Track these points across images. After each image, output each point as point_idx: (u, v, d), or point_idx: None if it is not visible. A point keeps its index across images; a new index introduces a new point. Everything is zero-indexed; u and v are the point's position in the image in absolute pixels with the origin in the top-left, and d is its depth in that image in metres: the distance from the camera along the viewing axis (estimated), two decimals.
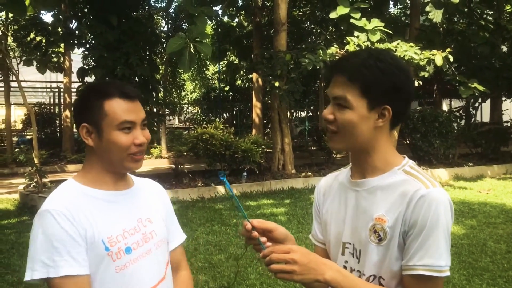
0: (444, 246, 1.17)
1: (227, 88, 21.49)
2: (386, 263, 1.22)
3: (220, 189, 8.90)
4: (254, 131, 13.60)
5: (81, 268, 1.27)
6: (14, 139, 16.61)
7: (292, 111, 20.74)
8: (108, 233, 1.35)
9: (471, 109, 13.26)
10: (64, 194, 1.37)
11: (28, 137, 17.74)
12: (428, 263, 1.15)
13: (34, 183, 8.47)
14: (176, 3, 14.43)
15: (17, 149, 9.36)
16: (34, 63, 13.57)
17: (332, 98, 1.25)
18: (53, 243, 1.26)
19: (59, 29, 11.51)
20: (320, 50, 8.98)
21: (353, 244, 1.29)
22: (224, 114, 22.45)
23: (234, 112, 22.67)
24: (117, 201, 1.43)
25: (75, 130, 17.44)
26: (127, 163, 1.40)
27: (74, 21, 9.51)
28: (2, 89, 15.23)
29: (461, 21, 12.73)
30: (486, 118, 16.11)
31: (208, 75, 24.43)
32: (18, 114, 25.80)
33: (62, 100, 16.92)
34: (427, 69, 9.07)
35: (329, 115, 1.25)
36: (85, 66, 9.27)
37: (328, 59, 8.70)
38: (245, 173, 9.65)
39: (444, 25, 11.32)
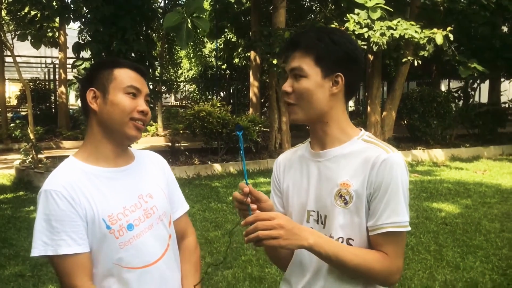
0: (405, 204, 1.28)
1: (224, 66, 21.25)
2: (355, 225, 1.30)
3: (217, 167, 8.90)
4: (251, 110, 13.51)
5: (78, 246, 1.33)
6: (9, 115, 16.47)
7: None
8: (109, 211, 1.38)
9: (469, 90, 13.22)
10: (64, 173, 1.40)
11: (23, 113, 17.60)
12: (395, 220, 1.25)
13: (30, 159, 8.43)
14: None
15: (12, 124, 9.27)
16: (29, 38, 13.35)
17: (289, 71, 1.34)
18: (52, 223, 1.32)
19: (54, 3, 11.30)
20: None
21: (317, 211, 1.35)
22: (221, 93, 22.29)
23: (231, 91, 22.51)
24: (117, 178, 1.45)
25: (70, 107, 17.36)
26: (128, 129, 1.41)
27: None
28: None
29: (462, 0, 12.59)
30: (485, 99, 16.07)
31: (205, 53, 24.17)
32: (12, 90, 25.54)
33: (57, 76, 16.72)
34: (427, 48, 8.99)
35: (288, 87, 1.33)
36: (80, 41, 9.14)
37: None
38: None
39: (445, 4, 11.17)
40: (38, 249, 1.31)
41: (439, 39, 8.80)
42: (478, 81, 13.02)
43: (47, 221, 1.32)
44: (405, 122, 12.03)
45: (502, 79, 14.64)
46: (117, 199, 1.41)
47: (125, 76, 1.43)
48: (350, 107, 25.04)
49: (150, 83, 9.58)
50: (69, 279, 1.32)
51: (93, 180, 1.40)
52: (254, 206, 1.27)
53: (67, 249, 1.31)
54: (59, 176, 1.38)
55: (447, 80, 21.04)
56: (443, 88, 19.62)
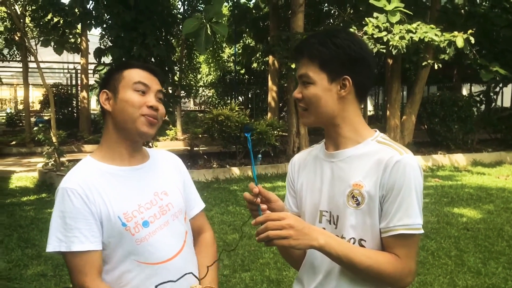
0: (418, 206, 1.26)
1: (242, 71, 21.33)
2: (367, 226, 1.29)
3: (235, 171, 8.93)
4: (269, 115, 13.53)
5: (91, 244, 1.36)
6: (32, 119, 16.83)
7: None
8: (124, 209, 1.41)
9: (491, 94, 12.97)
10: (81, 172, 1.44)
11: (46, 117, 17.96)
12: (407, 222, 1.24)
13: (53, 162, 8.60)
14: None
15: (35, 128, 9.48)
16: (52, 43, 13.64)
17: (298, 78, 1.36)
18: (66, 220, 1.36)
19: (76, 10, 11.54)
20: None
21: (330, 212, 1.35)
22: (240, 97, 22.34)
23: (250, 96, 22.56)
24: (132, 176, 1.48)
25: (92, 112, 17.65)
26: (140, 124, 1.43)
27: (91, 1, 9.52)
28: (21, 69, 15.40)
29: (483, 3, 12.39)
30: (507, 103, 15.75)
31: (223, 58, 24.31)
32: (36, 95, 26.10)
33: (79, 81, 17.04)
34: (447, 51, 8.87)
35: (298, 94, 1.36)
36: (102, 47, 9.29)
37: None
38: (260, 156, 9.65)
39: (466, 7, 11.01)
40: (53, 245, 1.36)
41: (459, 42, 8.68)
42: (501, 85, 12.76)
43: (62, 218, 1.36)
44: (425, 126, 11.86)
45: None
46: (132, 196, 1.44)
47: (133, 74, 1.47)
48: (369, 111, 24.84)
49: (169, 87, 9.68)
50: (79, 276, 1.35)
51: (109, 178, 1.44)
52: (264, 206, 1.29)
53: (80, 246, 1.34)
54: (75, 175, 1.42)
55: (469, 84, 20.68)
56: (465, 92, 19.30)
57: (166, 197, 1.51)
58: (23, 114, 16.35)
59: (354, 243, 1.30)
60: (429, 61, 9.61)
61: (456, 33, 8.89)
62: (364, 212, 1.29)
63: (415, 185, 1.26)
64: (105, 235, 1.39)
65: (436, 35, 8.57)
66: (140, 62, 1.56)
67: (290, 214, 1.24)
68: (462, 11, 10.97)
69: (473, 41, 8.90)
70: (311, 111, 1.34)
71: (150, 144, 8.32)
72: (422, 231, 1.27)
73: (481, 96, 13.01)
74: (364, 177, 1.29)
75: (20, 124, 18.05)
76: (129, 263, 1.41)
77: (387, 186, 1.26)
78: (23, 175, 9.27)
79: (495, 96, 13.15)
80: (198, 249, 1.62)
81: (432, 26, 8.84)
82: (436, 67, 9.66)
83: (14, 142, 13.66)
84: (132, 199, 1.44)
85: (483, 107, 13.13)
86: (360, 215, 1.29)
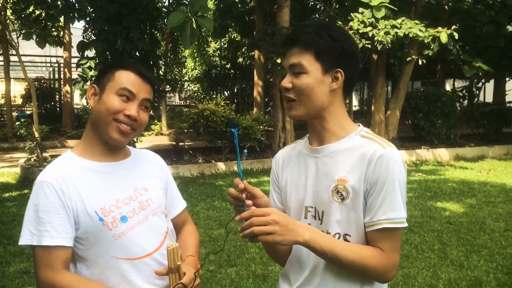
0: (402, 200, 1.27)
1: (228, 66, 21.25)
2: (351, 221, 1.29)
3: (221, 166, 8.91)
4: (255, 109, 13.53)
5: (61, 239, 1.34)
6: (14, 114, 16.54)
7: None
8: (101, 204, 1.40)
9: (474, 89, 13.16)
10: (58, 166, 1.42)
11: (28, 112, 17.67)
12: (391, 216, 1.25)
13: (35, 157, 8.47)
14: None
15: (17, 123, 9.31)
16: (34, 37, 13.38)
17: (289, 67, 1.33)
18: (39, 214, 1.34)
19: (59, 2, 11.33)
20: None
21: (315, 207, 1.35)
22: (225, 92, 22.28)
23: (235, 90, 22.52)
24: (112, 171, 1.47)
25: (75, 106, 17.40)
26: (110, 129, 1.42)
27: None
28: (2, 63, 15.10)
29: None
30: (489, 98, 15.97)
31: (209, 52, 24.17)
32: (17, 89, 25.64)
33: (62, 75, 16.78)
34: (431, 47, 8.95)
35: (287, 83, 1.32)
36: (85, 40, 9.15)
37: None
38: (245, 150, 9.64)
39: (450, 4, 11.12)
40: (25, 238, 1.35)
41: (443, 38, 8.77)
42: (483, 81, 12.96)
43: (35, 212, 1.35)
44: (410, 121, 12.00)
45: (507, 79, 14.54)
46: (110, 191, 1.43)
47: (123, 78, 1.44)
48: (354, 106, 24.96)
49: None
50: (44, 269, 1.33)
51: (87, 173, 1.42)
52: (249, 202, 1.27)
53: (50, 240, 1.33)
54: (53, 169, 1.41)
55: (452, 79, 20.95)
56: (448, 87, 19.54)
57: (146, 193, 1.50)
58: (5, 109, 16.02)
59: (339, 238, 1.30)
60: (413, 56, 9.70)
61: (440, 28, 8.98)
62: (348, 207, 1.29)
63: (398, 179, 1.26)
64: (81, 230, 1.38)
65: (420, 30, 8.64)
66: (137, 64, 1.53)
67: (275, 209, 1.23)
68: (446, 7, 11.06)
69: (456, 37, 9.00)
70: (302, 102, 1.31)
71: (135, 139, 8.25)
72: (406, 225, 1.27)
73: (464, 92, 13.19)
74: (348, 172, 1.29)
75: (2, 119, 17.73)
76: (107, 259, 1.40)
77: (371, 180, 1.26)
78: (5, 170, 9.12)
79: (477, 92, 13.34)
80: (181, 234, 1.65)
81: (416, 21, 8.91)
82: (420, 62, 9.75)
83: None
84: (110, 194, 1.43)
85: (466, 102, 13.32)
86: (345, 210, 1.29)
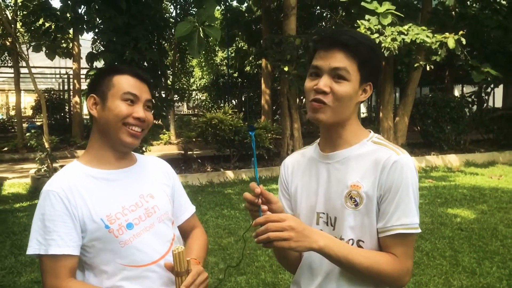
0: (415, 206, 1.27)
1: (236, 75, 21.33)
2: (365, 227, 1.29)
3: (229, 174, 8.91)
4: (263, 117, 13.55)
5: (68, 248, 1.35)
6: (24, 125, 16.72)
7: (302, 97, 20.62)
8: (107, 211, 1.40)
9: (483, 95, 13.08)
10: (65, 175, 1.44)
11: (38, 123, 17.86)
12: (405, 222, 1.25)
13: (45, 168, 8.54)
14: None
15: (28, 134, 9.42)
16: (43, 49, 13.57)
17: (331, 69, 1.28)
18: (45, 223, 1.35)
19: (68, 15, 11.48)
20: None
21: (327, 213, 1.35)
22: (233, 101, 22.33)
23: (243, 99, 22.56)
24: (118, 179, 1.48)
25: (84, 117, 17.57)
26: (122, 134, 1.44)
27: (82, 5, 9.46)
28: (12, 75, 15.30)
29: (474, 5, 12.48)
30: (499, 103, 15.87)
31: (216, 61, 24.31)
32: (27, 101, 25.95)
33: (71, 86, 16.95)
34: (439, 53, 8.92)
35: (326, 87, 1.27)
36: (94, 51, 9.25)
37: None
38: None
39: (457, 9, 11.10)
40: (33, 247, 1.36)
41: (451, 43, 8.74)
42: (492, 86, 12.86)
43: (41, 221, 1.36)
44: (418, 127, 11.92)
45: None
46: (116, 199, 1.44)
47: (123, 83, 1.45)
48: (363, 113, 24.92)
49: (162, 91, 9.65)
50: (51, 279, 1.34)
51: (93, 181, 1.44)
52: (265, 207, 1.27)
53: (57, 249, 1.34)
54: (59, 178, 1.42)
55: (461, 85, 20.83)
56: (457, 93, 19.43)
57: (152, 200, 1.51)
58: (15, 120, 16.23)
59: (352, 244, 1.30)
60: (421, 62, 9.67)
61: (447, 34, 8.95)
62: (362, 212, 1.28)
63: (412, 185, 1.26)
64: (88, 238, 1.39)
65: (427, 36, 8.62)
66: (130, 66, 1.54)
67: (290, 215, 1.23)
68: (453, 12, 11.04)
69: (464, 42, 8.96)
70: (335, 108, 1.28)
71: (144, 148, 8.29)
72: (419, 231, 1.28)
73: (473, 97, 13.10)
74: (361, 178, 1.29)
75: (12, 130, 17.94)
76: (114, 266, 1.40)
77: (385, 186, 1.26)
78: (16, 181, 9.19)
79: (486, 97, 13.25)
80: (187, 240, 1.65)
81: (423, 27, 8.90)
82: (428, 68, 9.72)
83: (6, 148, 13.57)
84: (116, 202, 1.43)
85: (475, 107, 13.23)
86: (359, 216, 1.29)
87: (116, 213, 1.41)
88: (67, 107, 18.52)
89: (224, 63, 22.56)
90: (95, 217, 1.38)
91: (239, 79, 21.78)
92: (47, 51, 13.55)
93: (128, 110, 1.43)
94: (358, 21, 8.76)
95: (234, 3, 16.72)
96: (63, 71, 21.15)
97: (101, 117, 1.45)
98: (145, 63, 8.56)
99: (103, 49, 8.81)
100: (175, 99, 16.78)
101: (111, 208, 1.41)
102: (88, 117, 18.42)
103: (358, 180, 1.29)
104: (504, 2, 11.12)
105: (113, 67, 1.53)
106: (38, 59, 15.88)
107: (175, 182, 1.65)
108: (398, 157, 1.26)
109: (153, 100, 1.55)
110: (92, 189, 1.42)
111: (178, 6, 16.38)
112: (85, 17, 9.70)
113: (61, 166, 8.94)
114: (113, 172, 1.48)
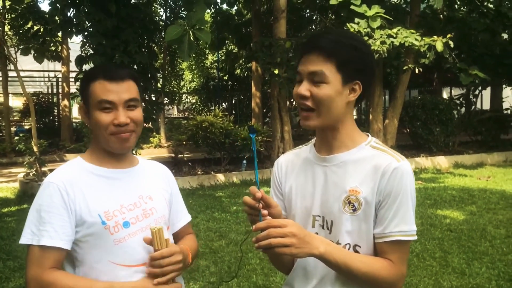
0: (412, 213, 1.28)
1: (226, 78, 21.34)
2: (362, 232, 1.29)
3: (220, 177, 8.90)
4: (253, 120, 13.56)
5: (60, 241, 1.34)
6: (12, 129, 16.53)
7: (292, 99, 20.66)
8: (105, 207, 1.40)
9: (471, 97, 13.23)
10: (67, 170, 1.45)
11: (27, 127, 17.67)
12: (404, 229, 1.26)
13: (34, 172, 8.46)
14: None
15: (16, 138, 9.32)
16: (32, 52, 13.44)
17: (308, 74, 1.27)
18: (41, 213, 1.35)
19: (57, 18, 11.39)
20: None
21: (323, 217, 1.34)
22: (223, 104, 22.33)
23: (233, 102, 22.57)
24: (119, 178, 1.49)
25: (73, 120, 17.42)
26: (111, 143, 1.44)
27: (71, 8, 9.39)
28: (0, 78, 15.13)
29: (461, 8, 12.63)
30: (487, 105, 16.06)
31: (207, 64, 24.28)
32: (16, 104, 25.66)
33: (60, 90, 16.81)
34: (427, 56, 9.01)
35: (306, 91, 1.27)
36: (83, 54, 9.18)
37: None
38: (244, 161, 9.64)
39: (445, 12, 11.22)
40: (26, 237, 1.35)
41: (439, 46, 8.83)
42: (480, 88, 13.03)
43: (38, 211, 1.36)
44: (408, 130, 12.03)
45: (504, 86, 14.65)
46: (115, 196, 1.44)
47: (97, 91, 1.42)
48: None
49: (152, 94, 9.61)
50: (35, 268, 1.33)
51: (94, 178, 1.45)
52: (265, 212, 1.25)
53: (48, 240, 1.33)
54: (61, 172, 1.44)
55: (449, 87, 21.04)
56: (445, 95, 19.63)
57: (150, 201, 1.51)
58: (3, 124, 16.03)
59: (349, 248, 1.30)
60: (409, 65, 9.76)
61: (435, 37, 9.05)
62: (360, 218, 1.28)
63: (411, 192, 1.27)
64: (82, 233, 1.38)
65: (416, 39, 8.71)
66: (104, 66, 1.54)
67: (291, 221, 1.22)
68: (441, 16, 11.17)
69: (452, 45, 9.06)
70: (320, 112, 1.28)
71: (134, 152, 8.25)
72: (416, 238, 1.29)
73: (461, 99, 13.26)
74: (360, 183, 1.29)
75: (0, 134, 17.72)
76: (104, 264, 1.39)
77: (384, 192, 1.26)
78: (4, 185, 9.09)
79: (474, 99, 13.41)
80: (180, 241, 1.65)
81: (412, 31, 8.98)
82: (416, 71, 9.81)
83: None
84: (115, 199, 1.44)
85: (463, 110, 13.38)
86: (356, 221, 1.29)
87: (114, 210, 1.41)
88: (56, 111, 18.36)
89: (214, 66, 22.54)
90: (92, 212, 1.38)
91: (230, 82, 21.79)
92: (35, 54, 13.40)
93: (107, 119, 1.41)
94: (347, 24, 8.82)
95: (224, 6, 16.75)
96: (52, 74, 20.96)
97: (91, 126, 1.47)
98: (135, 66, 8.52)
99: (92, 52, 8.75)
100: (165, 102, 16.75)
101: (110, 205, 1.42)
102: (77, 120, 18.30)
103: (357, 185, 1.29)
104: (491, 6, 11.28)
105: (88, 72, 1.50)
106: (26, 62, 15.72)
107: (173, 189, 1.66)
108: (398, 164, 1.26)
109: (142, 94, 1.53)
110: (92, 185, 1.42)
111: (168, 9, 16.35)
112: (74, 20, 9.64)
113: (50, 170, 8.86)
114: (114, 171, 1.49)
